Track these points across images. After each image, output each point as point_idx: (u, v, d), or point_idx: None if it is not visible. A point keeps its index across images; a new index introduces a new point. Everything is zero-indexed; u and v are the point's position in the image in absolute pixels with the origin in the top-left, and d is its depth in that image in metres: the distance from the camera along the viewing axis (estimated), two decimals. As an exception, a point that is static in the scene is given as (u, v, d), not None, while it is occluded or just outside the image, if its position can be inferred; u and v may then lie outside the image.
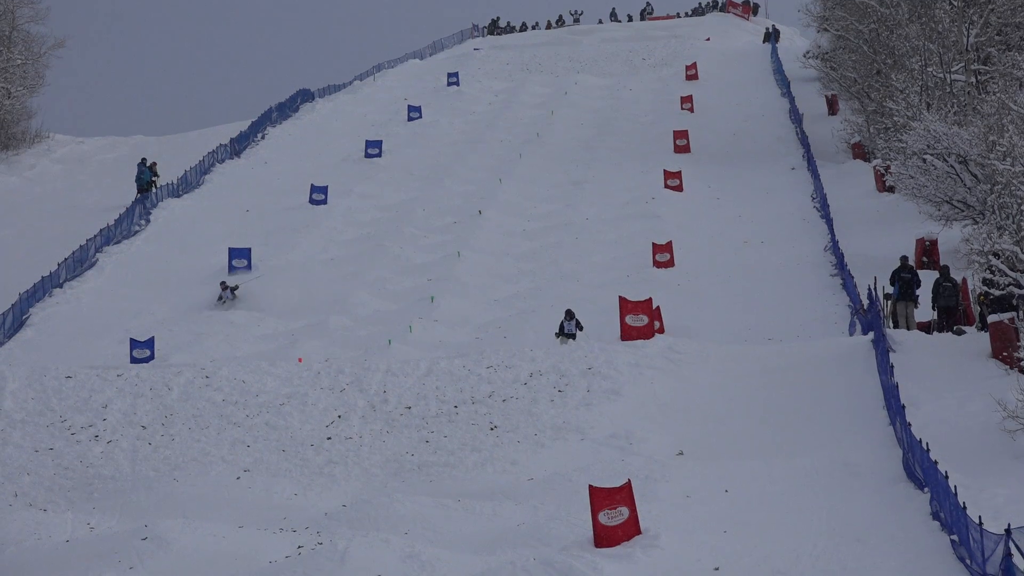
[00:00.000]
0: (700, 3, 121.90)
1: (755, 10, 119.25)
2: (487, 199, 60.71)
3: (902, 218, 52.61)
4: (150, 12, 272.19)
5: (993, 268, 37.28)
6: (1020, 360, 32.16)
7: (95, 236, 55.84)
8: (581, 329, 40.57)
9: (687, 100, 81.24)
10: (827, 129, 72.64)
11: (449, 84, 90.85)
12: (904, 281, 40.12)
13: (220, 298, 47.52)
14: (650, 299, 40.67)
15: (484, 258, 52.26)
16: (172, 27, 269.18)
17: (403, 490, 29.75)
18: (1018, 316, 35.68)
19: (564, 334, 40.23)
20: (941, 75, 63.64)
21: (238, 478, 31.14)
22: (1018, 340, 33.19)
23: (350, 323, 44.61)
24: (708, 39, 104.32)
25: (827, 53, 79.76)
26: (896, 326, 39.17)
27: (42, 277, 50.49)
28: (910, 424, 28.55)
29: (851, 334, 39.33)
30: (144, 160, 66.27)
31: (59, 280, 51.05)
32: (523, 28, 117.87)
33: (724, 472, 29.12)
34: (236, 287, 48.00)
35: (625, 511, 25.34)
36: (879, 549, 23.89)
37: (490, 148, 72.10)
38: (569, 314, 40.46)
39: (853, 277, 43.91)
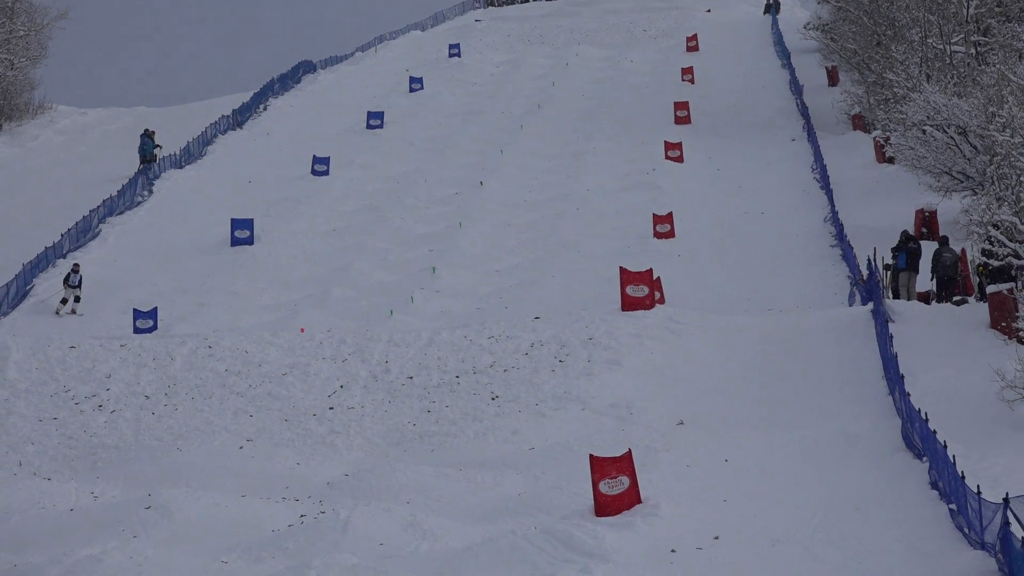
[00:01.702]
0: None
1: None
2: (488, 170, 60.73)
3: (902, 189, 52.68)
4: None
5: (992, 239, 37.33)
6: (1019, 330, 32.19)
7: (98, 207, 55.86)
8: None
9: (688, 71, 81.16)
10: (827, 100, 72.70)
11: (450, 55, 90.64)
12: (911, 252, 40.16)
13: (67, 278, 44.95)
14: (650, 270, 40.63)
15: (485, 229, 52.26)
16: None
17: (405, 459, 29.82)
18: (1017, 287, 35.72)
19: None
20: (941, 46, 63.62)
21: (241, 448, 31.21)
22: (1017, 311, 33.22)
23: (352, 294, 44.61)
24: (709, 11, 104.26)
25: (827, 24, 79.72)
26: (896, 296, 39.22)
27: (45, 248, 50.51)
28: (909, 394, 28.62)
29: (850, 305, 39.35)
30: (147, 131, 66.28)
31: (62, 251, 51.05)
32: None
33: (724, 442, 29.18)
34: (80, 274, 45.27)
35: (626, 480, 25.41)
36: (878, 518, 23.96)
37: (491, 119, 72.11)
38: None
39: (853, 248, 43.94)
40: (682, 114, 70.42)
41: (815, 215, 51.72)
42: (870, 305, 36.67)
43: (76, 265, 45.61)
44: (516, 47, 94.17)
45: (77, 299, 44.31)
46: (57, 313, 44.19)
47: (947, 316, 36.41)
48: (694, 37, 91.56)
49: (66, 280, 44.72)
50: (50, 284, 47.59)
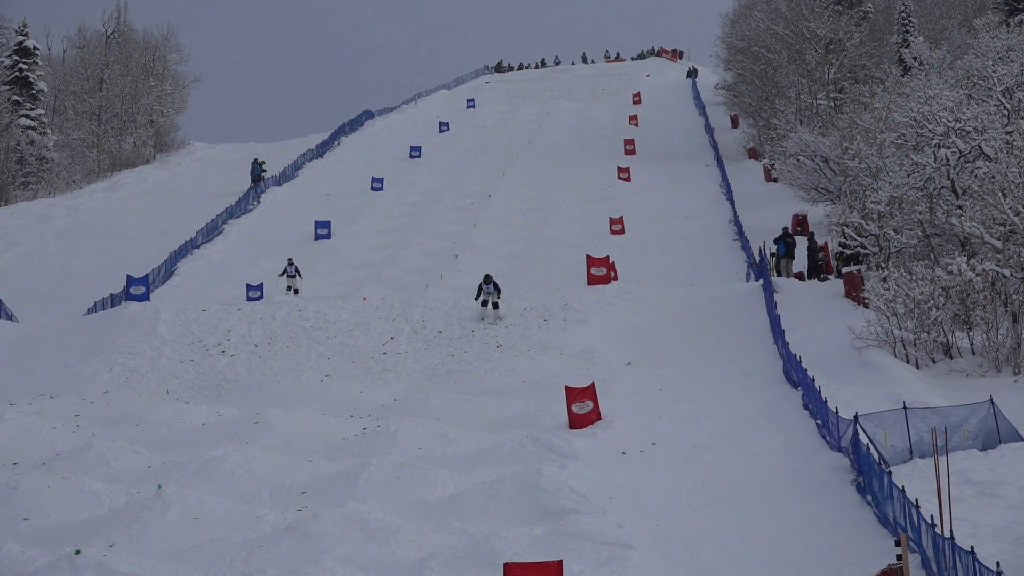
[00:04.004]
0: (642, 50, 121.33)
1: (681, 55, 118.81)
2: (494, 187, 60.59)
3: (782, 200, 52.61)
4: (260, 57, 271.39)
5: (846, 234, 37.29)
6: (864, 299, 32.11)
7: (222, 212, 55.84)
8: (499, 293, 34.86)
9: (633, 118, 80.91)
10: (730, 138, 72.56)
11: (468, 107, 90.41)
12: (788, 244, 40.17)
13: (284, 271, 42.06)
14: (608, 256, 40.54)
15: (492, 228, 52.13)
16: (275, 65, 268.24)
17: (435, 389, 29.75)
18: (863, 268, 35.67)
19: (484, 296, 34.71)
20: (810, 101, 63.57)
21: (321, 381, 31.12)
22: (863, 285, 33.15)
23: (399, 273, 44.53)
24: (648, 75, 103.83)
25: (730, 85, 79.35)
26: (779, 275, 39.15)
27: (185, 241, 50.55)
28: (788, 343, 28.59)
29: (747, 280, 39.27)
30: (256, 159, 66.21)
31: (197, 243, 51.04)
32: (520, 67, 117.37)
33: (659, 376, 29.13)
34: (295, 265, 42.18)
35: (590, 404, 25.38)
36: (766, 430, 23.93)
37: (496, 151, 71.89)
38: (487, 278, 35.03)
39: (748, 241, 43.92)
40: (629, 148, 70.21)
41: (722, 217, 51.59)
42: (760, 281, 36.61)
43: (291, 259, 42.68)
44: (514, 101, 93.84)
45: (296, 291, 41.30)
46: (286, 292, 41.34)
47: (814, 289, 36.39)
48: (638, 94, 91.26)
49: (284, 272, 41.92)
50: (190, 268, 47.58)
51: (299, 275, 41.97)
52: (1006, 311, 29.19)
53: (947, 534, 14.29)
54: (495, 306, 34.59)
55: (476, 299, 35.09)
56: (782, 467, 21.28)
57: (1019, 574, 12.40)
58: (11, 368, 33.33)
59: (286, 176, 65.75)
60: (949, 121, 35.99)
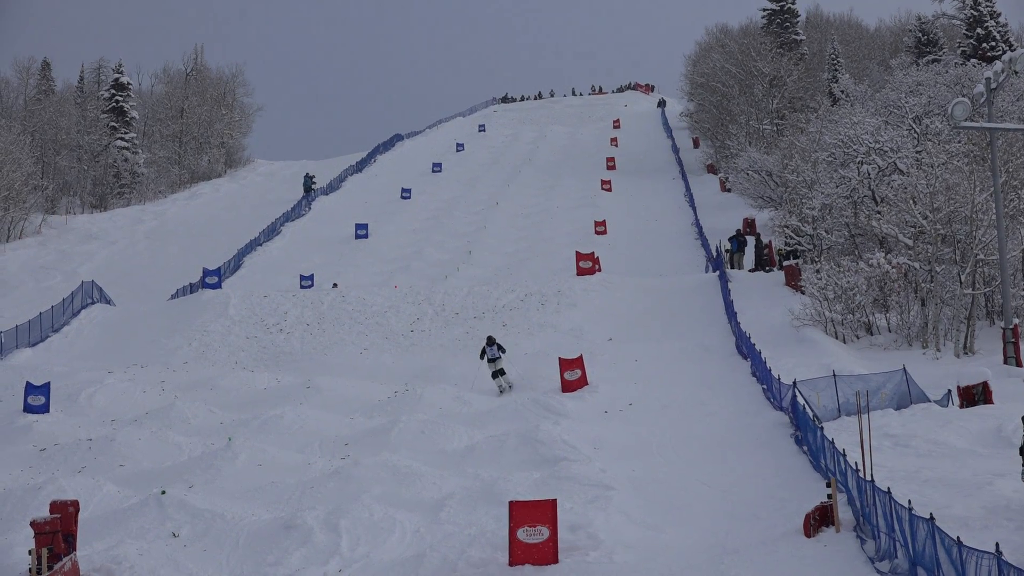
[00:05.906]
0: (621, 84, 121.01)
1: (652, 89, 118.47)
2: (501, 196, 60.50)
3: (735, 206, 52.53)
4: (311, 89, 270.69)
5: (786, 234, 37.22)
6: (801, 286, 32.04)
7: (280, 216, 55.88)
8: (503, 351, 26.57)
9: (614, 140, 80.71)
10: (693, 156, 72.40)
11: (479, 131, 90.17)
12: (740, 242, 40.12)
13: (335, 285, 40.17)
14: (593, 252, 40.50)
15: (499, 229, 52.07)
16: (323, 96, 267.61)
17: (454, 360, 29.72)
18: (800, 262, 35.61)
19: (489, 360, 26.42)
20: (757, 126, 63.45)
21: (360, 353, 31.12)
22: (800, 275, 33.08)
23: (424, 266, 44.50)
24: (626, 105, 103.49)
25: (693, 113, 79.24)
26: (732, 267, 39.10)
27: (250, 240, 50.53)
28: (739, 323, 28.52)
29: (706, 272, 39.21)
30: (308, 173, 66.19)
31: (259, 241, 51.04)
32: (522, 99, 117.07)
33: (635, 349, 29.08)
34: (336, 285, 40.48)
35: (579, 372, 25.36)
36: (722, 393, 23.88)
37: (503, 167, 71.74)
38: (490, 340, 26.63)
39: (707, 239, 43.84)
40: (611, 164, 70.02)
41: (686, 221, 51.52)
42: (717, 272, 36.55)
43: (335, 283, 40.48)
44: (517, 126, 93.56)
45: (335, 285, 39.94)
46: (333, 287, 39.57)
47: (761, 278, 36.31)
48: (617, 120, 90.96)
49: (335, 285, 40.22)
50: (254, 261, 47.58)
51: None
52: (916, 297, 29.15)
53: (868, 478, 14.26)
54: (502, 372, 26.24)
55: (481, 358, 26.81)
56: (734, 423, 21.24)
57: (926, 509, 12.37)
58: (109, 343, 33.38)
59: (332, 187, 65.68)
60: (870, 142, 35.91)
